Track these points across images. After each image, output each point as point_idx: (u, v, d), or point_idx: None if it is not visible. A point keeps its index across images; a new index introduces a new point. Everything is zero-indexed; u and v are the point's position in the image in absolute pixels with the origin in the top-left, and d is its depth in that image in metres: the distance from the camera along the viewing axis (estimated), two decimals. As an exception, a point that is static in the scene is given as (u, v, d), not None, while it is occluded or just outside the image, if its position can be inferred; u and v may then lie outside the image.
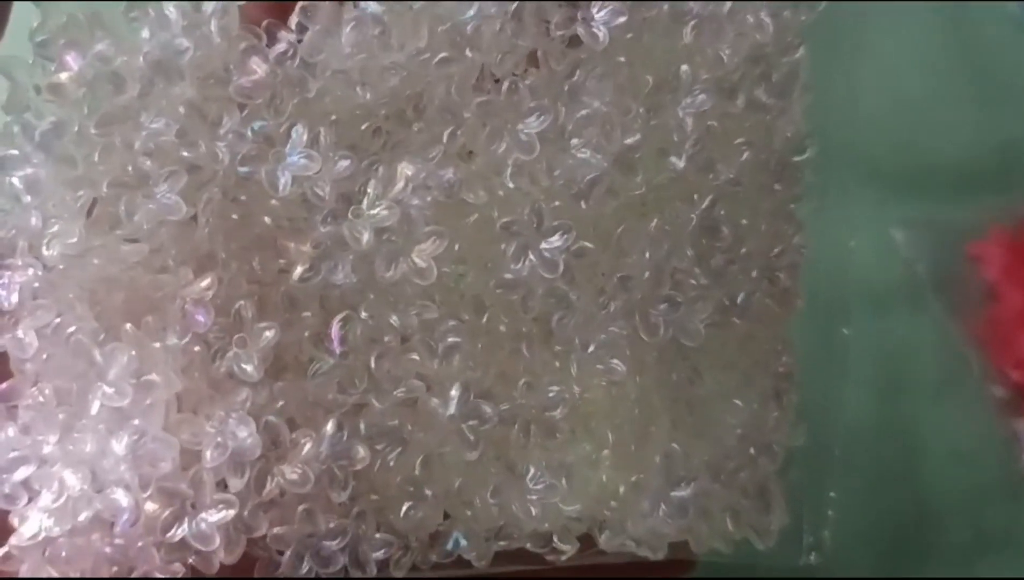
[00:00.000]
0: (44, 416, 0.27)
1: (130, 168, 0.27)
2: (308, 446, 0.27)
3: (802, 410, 0.31)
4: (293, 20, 0.28)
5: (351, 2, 0.27)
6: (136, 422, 0.26)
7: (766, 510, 0.31)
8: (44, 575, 0.27)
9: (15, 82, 0.27)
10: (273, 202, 0.27)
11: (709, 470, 0.29)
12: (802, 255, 0.30)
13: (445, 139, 0.28)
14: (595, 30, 0.28)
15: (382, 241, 0.27)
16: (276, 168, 0.27)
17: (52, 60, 0.27)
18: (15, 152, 0.27)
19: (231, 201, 0.27)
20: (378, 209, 0.27)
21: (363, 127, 0.28)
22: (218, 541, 0.26)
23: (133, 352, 0.26)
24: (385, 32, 0.27)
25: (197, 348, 0.26)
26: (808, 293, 0.31)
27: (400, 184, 0.27)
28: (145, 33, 0.27)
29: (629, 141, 0.28)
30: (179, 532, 0.26)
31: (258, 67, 0.27)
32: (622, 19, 0.28)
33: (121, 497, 0.26)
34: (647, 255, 0.28)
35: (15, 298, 0.27)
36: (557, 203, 0.28)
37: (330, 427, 0.27)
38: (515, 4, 0.27)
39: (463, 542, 0.28)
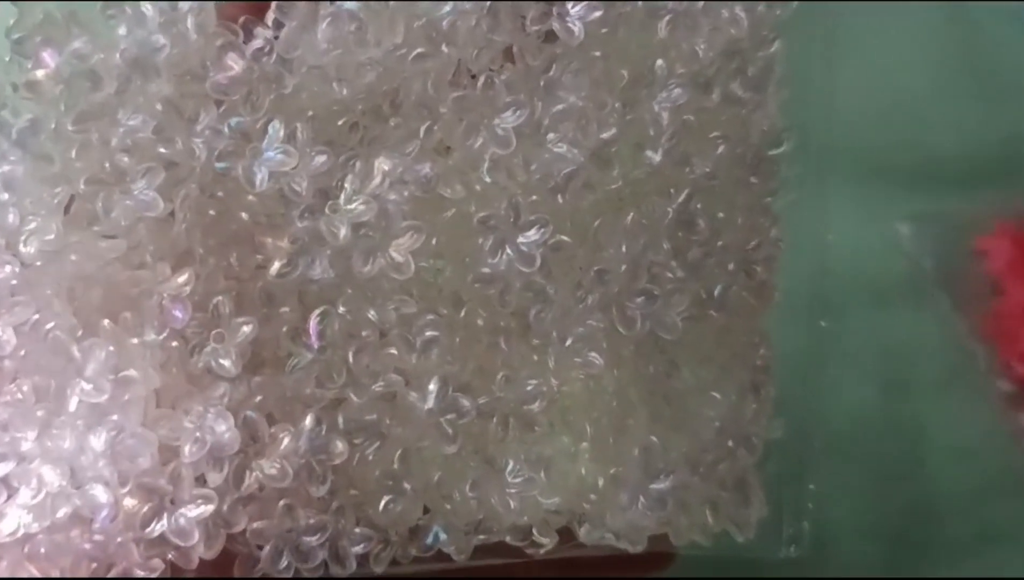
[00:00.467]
0: (22, 413, 0.27)
1: (107, 165, 0.27)
2: (286, 441, 0.27)
3: (781, 403, 0.31)
4: (270, 16, 0.28)
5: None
6: (114, 418, 0.26)
7: (745, 502, 0.31)
8: (23, 572, 0.27)
9: (-9, 80, 0.27)
10: (250, 198, 0.27)
11: (687, 463, 0.30)
12: (779, 248, 0.31)
13: (422, 134, 0.28)
14: (570, 25, 0.28)
15: (359, 236, 0.27)
16: (253, 164, 0.27)
17: (28, 57, 0.27)
18: (-9, 149, 0.27)
19: (208, 197, 0.27)
20: (355, 204, 0.27)
21: (340, 122, 0.28)
22: (197, 536, 0.26)
23: (111, 348, 0.26)
24: (361, 28, 0.27)
25: (175, 344, 0.26)
26: (788, 287, 0.31)
27: (377, 179, 0.27)
28: (122, 30, 0.27)
29: (605, 135, 0.28)
30: (158, 528, 0.26)
31: (235, 63, 0.27)
32: (597, 14, 0.28)
33: (100, 493, 0.26)
34: (624, 249, 0.28)
35: (-8, 295, 0.27)
36: (534, 197, 0.28)
37: (308, 422, 0.27)
38: (490, 0, 0.28)
39: (443, 536, 0.28)
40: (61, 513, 0.26)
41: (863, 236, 0.51)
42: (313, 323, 0.27)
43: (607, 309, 0.28)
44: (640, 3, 0.29)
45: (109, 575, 0.27)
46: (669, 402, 0.30)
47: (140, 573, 0.27)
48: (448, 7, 0.28)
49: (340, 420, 0.27)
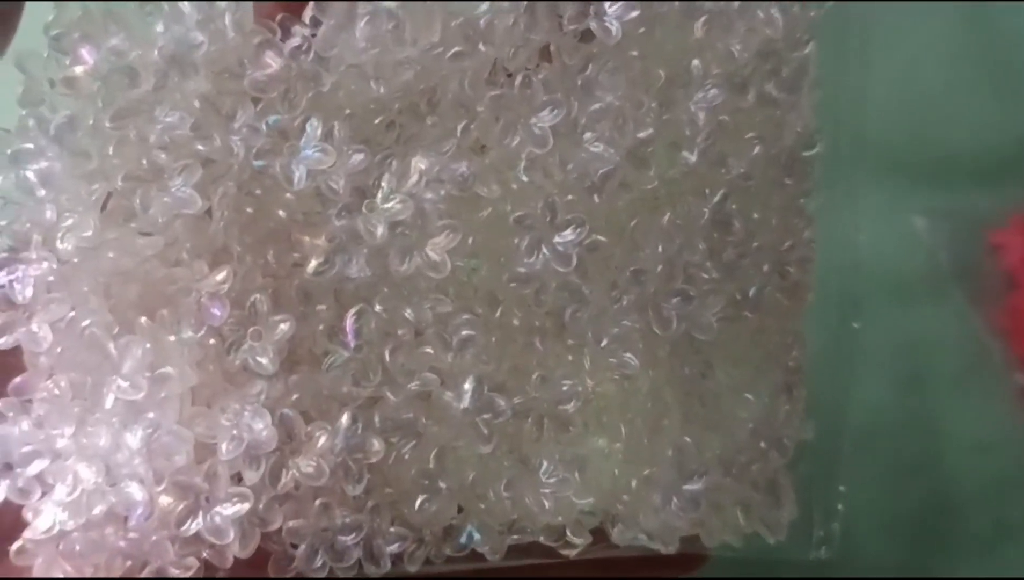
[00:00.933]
0: (58, 410, 0.27)
1: (145, 162, 0.26)
2: (323, 439, 0.27)
3: (812, 404, 0.31)
4: (307, 14, 0.28)
5: (365, -3, 0.27)
6: (151, 415, 0.26)
7: (776, 504, 0.31)
8: (58, 569, 0.27)
9: (30, 76, 0.27)
10: (288, 196, 0.27)
11: (720, 464, 0.30)
12: (812, 249, 0.31)
13: (459, 133, 0.28)
14: (607, 24, 0.28)
15: (396, 235, 0.27)
16: (291, 162, 0.27)
17: (67, 54, 0.27)
18: (30, 146, 0.26)
19: (246, 195, 0.27)
20: (392, 203, 0.27)
21: (377, 121, 0.28)
22: (232, 535, 0.26)
23: (148, 345, 0.26)
24: (399, 27, 0.27)
25: (212, 341, 0.26)
26: (819, 287, 0.31)
27: (414, 178, 0.27)
28: (159, 27, 0.27)
29: (641, 135, 0.28)
30: (193, 526, 0.26)
31: (272, 61, 0.27)
32: (634, 14, 0.28)
33: (135, 491, 0.26)
34: (660, 249, 0.28)
35: (29, 292, 0.27)
36: (570, 197, 0.28)
37: (345, 420, 0.27)
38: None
39: (476, 535, 0.28)
40: (96, 510, 0.26)
41: (882, 231, 0.51)
42: (350, 321, 0.27)
43: (643, 310, 0.28)
44: (677, 3, 0.29)
45: (143, 573, 0.27)
46: (703, 403, 0.30)
47: (175, 571, 0.27)
48: (485, 6, 0.28)
49: (376, 419, 0.27)
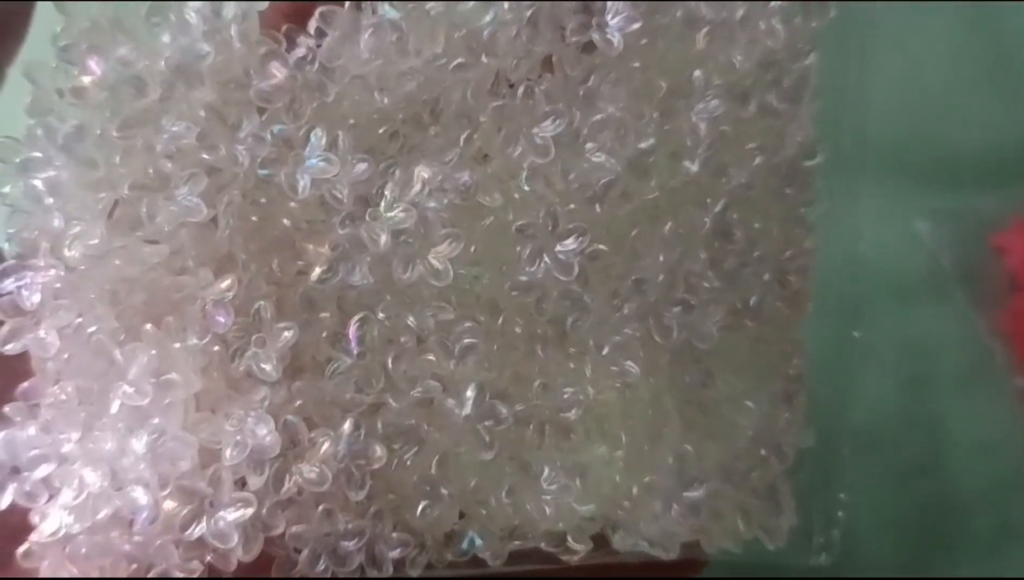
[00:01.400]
0: (65, 414, 0.27)
1: (151, 170, 0.27)
2: (326, 445, 0.27)
3: (812, 411, 0.31)
4: (312, 25, 0.28)
5: (369, 8, 0.28)
6: (156, 421, 0.27)
7: (776, 510, 0.31)
8: (64, 572, 0.27)
9: (38, 86, 0.27)
10: (292, 204, 0.27)
11: (720, 471, 0.30)
12: (813, 258, 0.31)
13: (461, 143, 0.28)
14: (609, 36, 0.28)
15: (399, 243, 0.27)
16: (295, 171, 0.27)
17: (75, 64, 0.27)
18: (38, 155, 0.27)
19: (251, 203, 0.27)
20: (395, 211, 0.27)
21: (380, 131, 0.28)
22: (236, 539, 0.27)
23: (153, 352, 0.27)
24: (402, 38, 0.27)
25: (216, 348, 0.27)
26: (820, 293, 0.31)
27: (417, 186, 0.28)
28: (166, 38, 0.27)
29: (643, 145, 0.28)
30: (197, 530, 0.27)
31: (278, 72, 0.27)
32: (636, 25, 0.28)
33: (140, 495, 0.27)
34: (661, 258, 0.28)
35: (37, 298, 0.27)
36: (572, 206, 0.28)
37: (347, 426, 0.27)
38: (531, 10, 0.28)
39: (478, 541, 0.28)
40: (102, 514, 0.27)
41: (884, 233, 0.51)
42: (353, 329, 0.27)
43: (644, 318, 0.28)
44: (679, 14, 0.29)
45: (148, 576, 0.27)
46: (703, 411, 0.30)
47: (179, 574, 0.27)
48: (488, 17, 0.28)
49: (379, 425, 0.27)
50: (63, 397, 0.27)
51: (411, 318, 0.28)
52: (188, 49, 0.27)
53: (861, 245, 0.32)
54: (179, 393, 0.27)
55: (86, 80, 0.27)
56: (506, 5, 0.28)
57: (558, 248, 0.28)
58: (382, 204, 0.27)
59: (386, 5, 0.28)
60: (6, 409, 0.27)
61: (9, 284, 0.27)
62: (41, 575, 0.27)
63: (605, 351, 0.28)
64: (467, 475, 0.28)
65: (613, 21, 0.28)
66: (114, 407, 0.27)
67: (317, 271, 0.27)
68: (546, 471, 0.29)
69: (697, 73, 0.29)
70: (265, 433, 0.27)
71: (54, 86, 0.27)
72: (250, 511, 0.27)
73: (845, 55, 0.32)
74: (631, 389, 0.29)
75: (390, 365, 0.27)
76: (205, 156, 0.27)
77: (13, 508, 0.27)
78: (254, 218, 0.27)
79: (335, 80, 0.28)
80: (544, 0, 0.28)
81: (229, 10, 0.27)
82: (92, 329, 0.27)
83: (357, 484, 0.27)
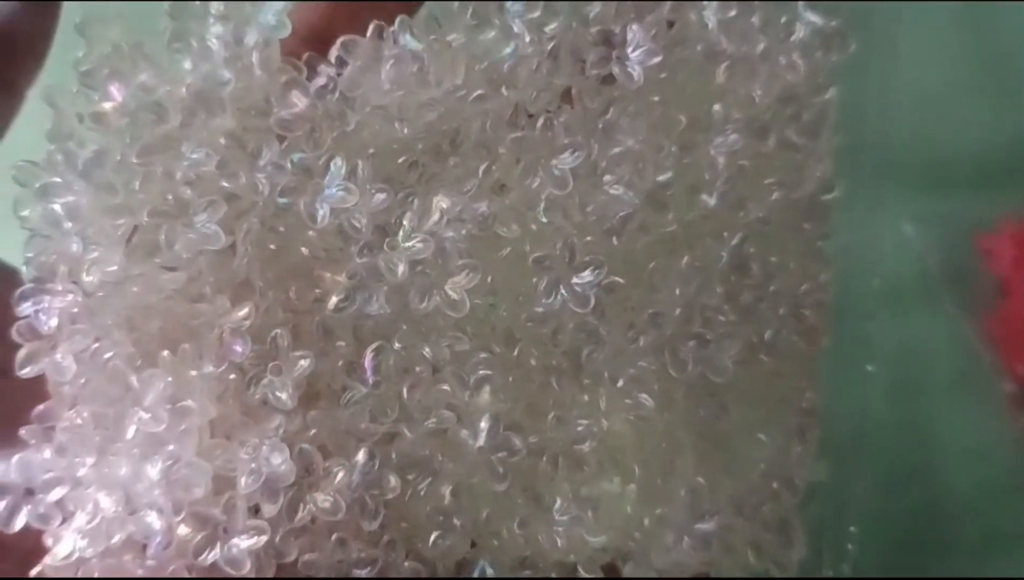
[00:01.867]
0: (80, 438, 0.27)
1: (170, 197, 0.27)
2: (340, 474, 0.27)
3: (825, 445, 0.31)
4: (333, 53, 0.28)
5: (391, 38, 0.28)
6: (171, 447, 0.27)
7: (787, 544, 0.31)
8: (77, 595, 0.27)
9: (59, 111, 0.27)
10: (310, 233, 0.27)
11: (732, 504, 0.30)
12: (829, 293, 0.31)
13: (480, 173, 0.28)
14: (630, 70, 0.28)
15: (416, 273, 0.27)
16: (314, 200, 0.27)
17: (96, 89, 0.27)
18: (57, 180, 0.27)
19: (269, 231, 0.27)
20: (413, 241, 0.27)
21: (400, 160, 0.28)
22: (249, 566, 0.27)
23: (169, 379, 0.27)
24: (423, 69, 0.27)
25: (232, 376, 0.27)
26: (834, 328, 0.31)
27: (435, 216, 0.28)
28: (187, 64, 0.27)
29: (661, 178, 0.28)
30: (211, 556, 0.27)
31: (298, 100, 0.27)
32: (657, 59, 0.28)
33: (154, 520, 0.27)
34: (677, 292, 0.28)
35: (54, 322, 0.27)
36: (589, 238, 0.28)
37: (362, 456, 0.27)
38: (552, 43, 0.28)
39: (489, 571, 0.29)
40: (115, 539, 0.27)
41: (872, 236, 0.51)
42: (368, 358, 0.27)
43: (659, 352, 0.28)
44: (699, 48, 0.29)
45: (160, 601, 0.27)
46: (716, 444, 0.30)
47: (191, 600, 0.27)
48: (509, 49, 0.28)
49: (393, 455, 0.27)
50: (79, 421, 0.27)
51: (427, 348, 0.28)
52: (209, 76, 0.27)
53: (875, 281, 0.32)
54: (194, 420, 0.27)
55: (107, 106, 0.27)
56: (527, 38, 0.28)
57: (575, 280, 0.28)
58: (400, 234, 0.27)
59: (407, 36, 0.28)
60: (21, 432, 0.27)
61: (27, 307, 0.27)
62: None
63: (620, 383, 0.28)
64: (480, 505, 0.28)
65: (634, 54, 0.28)
66: (129, 432, 0.27)
67: (334, 300, 0.27)
68: (558, 502, 0.29)
69: (716, 107, 0.29)
70: (280, 462, 0.27)
71: (74, 111, 0.27)
72: (263, 538, 0.27)
73: (865, 85, 0.32)
74: (645, 422, 0.29)
75: (405, 395, 0.27)
76: (225, 184, 0.27)
77: (27, 530, 0.27)
78: (272, 246, 0.27)
79: (355, 109, 0.28)
80: (565, 33, 0.28)
81: (251, 37, 0.27)
82: (109, 354, 0.27)
83: (371, 514, 0.27)
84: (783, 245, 0.30)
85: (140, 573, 0.27)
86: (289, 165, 0.27)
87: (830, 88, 0.30)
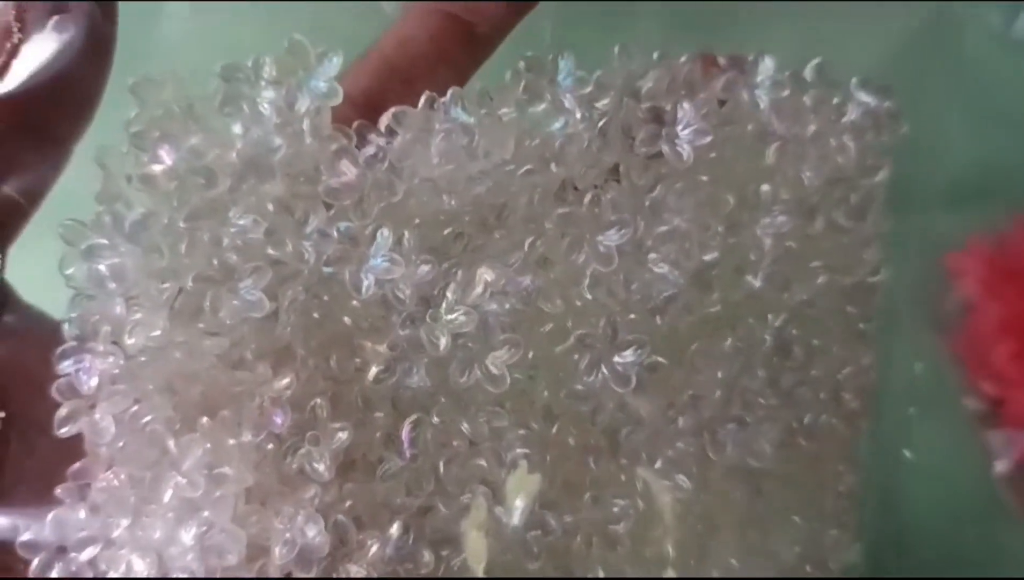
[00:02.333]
0: (116, 499, 0.27)
1: (216, 262, 0.27)
2: (375, 547, 0.27)
3: (861, 527, 0.31)
4: (383, 122, 0.28)
5: (442, 109, 0.28)
6: (206, 514, 0.27)
7: (819, 626, 0.31)
8: (105, 658, 0.27)
9: (108, 171, 0.27)
10: (354, 303, 0.27)
11: (765, 586, 0.29)
12: (870, 377, 0.30)
13: (526, 247, 0.28)
14: (679, 149, 0.28)
15: (457, 346, 0.27)
16: (359, 269, 0.27)
17: (146, 151, 0.27)
18: (104, 241, 0.27)
19: (313, 298, 0.27)
20: (456, 314, 0.27)
21: (446, 232, 0.28)
22: (280, 635, 0.26)
23: (208, 445, 0.27)
24: (473, 142, 0.27)
25: (271, 446, 0.27)
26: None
27: (479, 289, 0.27)
28: (237, 128, 0.27)
29: (707, 258, 0.28)
30: (242, 623, 0.27)
31: (348, 169, 0.27)
32: (707, 139, 0.28)
33: (186, 585, 0.27)
34: (719, 374, 0.28)
35: (94, 382, 0.27)
36: (632, 316, 0.28)
37: (396, 530, 0.27)
38: (603, 121, 0.28)
39: (519, 643, 0.28)
40: (147, 602, 0.27)
41: None
42: (407, 430, 0.27)
43: (698, 433, 0.28)
44: (750, 128, 0.29)
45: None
46: (752, 526, 0.30)
47: (220, 667, 0.27)
48: (559, 124, 0.28)
49: (427, 529, 0.27)
50: (115, 482, 0.27)
51: (465, 423, 0.27)
52: (260, 141, 0.27)
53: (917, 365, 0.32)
54: (231, 487, 0.27)
55: (156, 168, 0.27)
56: (578, 114, 0.28)
57: (616, 359, 0.27)
58: (443, 305, 0.27)
59: (458, 108, 0.28)
60: (57, 490, 0.27)
61: (67, 366, 0.27)
62: None
63: (658, 464, 0.28)
64: (512, 582, 0.28)
65: (684, 133, 0.28)
66: (166, 496, 0.27)
67: (374, 371, 0.27)
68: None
69: (765, 187, 0.29)
70: (314, 533, 0.26)
71: (123, 172, 0.27)
72: (295, 609, 0.27)
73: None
74: (681, 503, 0.29)
75: (441, 469, 0.27)
76: (271, 250, 0.27)
77: (58, 589, 0.27)
78: (315, 314, 0.27)
79: (403, 179, 0.28)
80: (616, 109, 0.28)
81: (302, 103, 0.27)
82: (148, 418, 0.27)
83: (403, 589, 0.27)
84: (826, 328, 0.30)
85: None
86: (335, 234, 0.27)
87: (880, 170, 0.30)
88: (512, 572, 0.28)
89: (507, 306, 0.27)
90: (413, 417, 0.27)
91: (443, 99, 0.28)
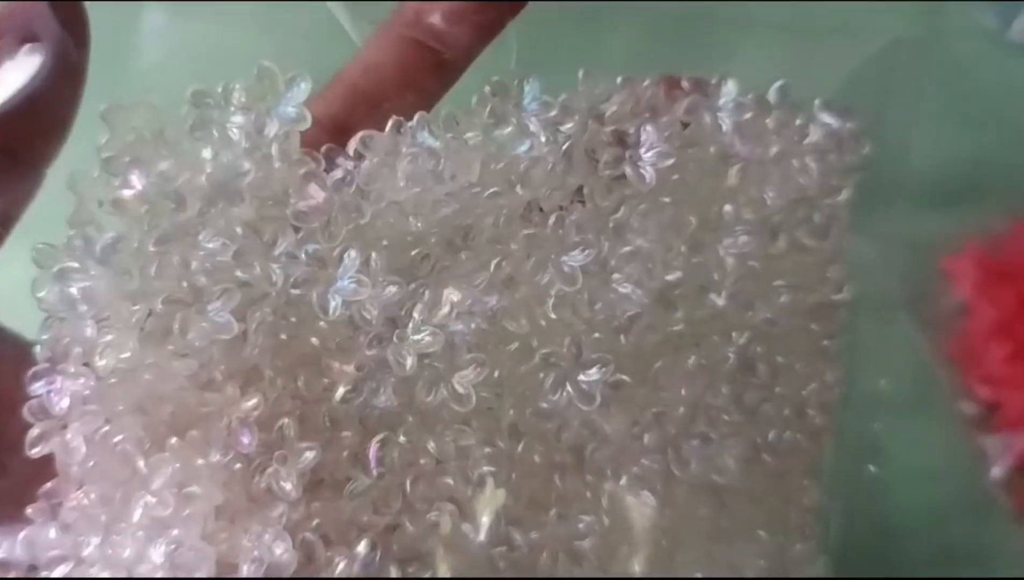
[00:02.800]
0: (87, 518, 0.27)
1: (185, 284, 0.27)
2: (342, 564, 0.27)
3: (825, 543, 0.31)
4: (351, 147, 0.28)
5: (409, 133, 0.28)
6: (175, 532, 0.27)
7: (784, 641, 0.31)
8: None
9: (80, 196, 0.28)
10: (321, 324, 0.28)
11: (731, 601, 0.30)
12: (834, 393, 0.31)
13: (491, 268, 0.28)
14: (642, 171, 0.28)
15: (424, 366, 0.27)
16: (327, 291, 0.27)
17: (117, 175, 0.28)
18: (75, 265, 0.27)
19: (280, 319, 0.28)
20: (422, 334, 0.27)
21: (413, 253, 0.28)
22: (248, 652, 0.27)
23: (177, 465, 0.27)
24: (439, 166, 0.28)
25: (238, 465, 0.27)
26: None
27: (445, 309, 0.28)
28: (207, 153, 0.28)
29: (670, 278, 0.29)
30: (210, 641, 0.27)
31: (316, 193, 0.28)
32: (670, 161, 0.28)
33: (156, 603, 0.27)
34: (683, 391, 0.29)
35: (65, 403, 0.27)
36: (597, 335, 0.28)
37: (362, 547, 0.27)
38: (567, 144, 0.28)
39: (485, 663, 0.29)
40: (118, 620, 0.27)
41: None
42: (374, 449, 0.28)
43: (663, 450, 0.28)
44: (712, 150, 0.29)
45: None
46: (716, 541, 0.30)
47: None
48: (524, 148, 0.28)
49: (394, 547, 0.28)
50: (85, 502, 0.27)
51: (431, 442, 0.28)
52: (230, 166, 0.28)
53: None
54: (200, 505, 0.27)
55: (126, 193, 0.27)
56: (543, 137, 0.28)
57: (581, 377, 0.28)
58: (410, 325, 0.28)
59: (425, 132, 0.28)
60: (28, 510, 0.28)
61: (39, 387, 0.28)
62: None
63: (623, 481, 0.28)
64: (478, 598, 0.28)
65: (647, 155, 0.29)
66: (136, 515, 0.27)
67: (341, 391, 0.28)
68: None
69: (728, 208, 0.29)
70: (282, 551, 0.27)
71: (95, 197, 0.28)
72: (263, 626, 0.27)
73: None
74: (647, 520, 0.29)
75: (408, 487, 0.28)
76: (239, 273, 0.27)
77: (30, 608, 0.28)
78: (283, 335, 0.28)
79: (371, 202, 0.28)
80: (580, 132, 0.28)
81: (271, 128, 0.28)
82: (118, 438, 0.27)
83: (370, 605, 0.27)
84: (790, 346, 0.30)
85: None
86: (303, 256, 0.27)
87: (843, 190, 0.30)
88: (478, 589, 0.28)
89: (473, 326, 0.28)
90: (380, 436, 0.28)
91: (410, 123, 0.28)
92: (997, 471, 0.48)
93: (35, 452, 0.28)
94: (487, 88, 0.29)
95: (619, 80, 0.29)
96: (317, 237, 0.28)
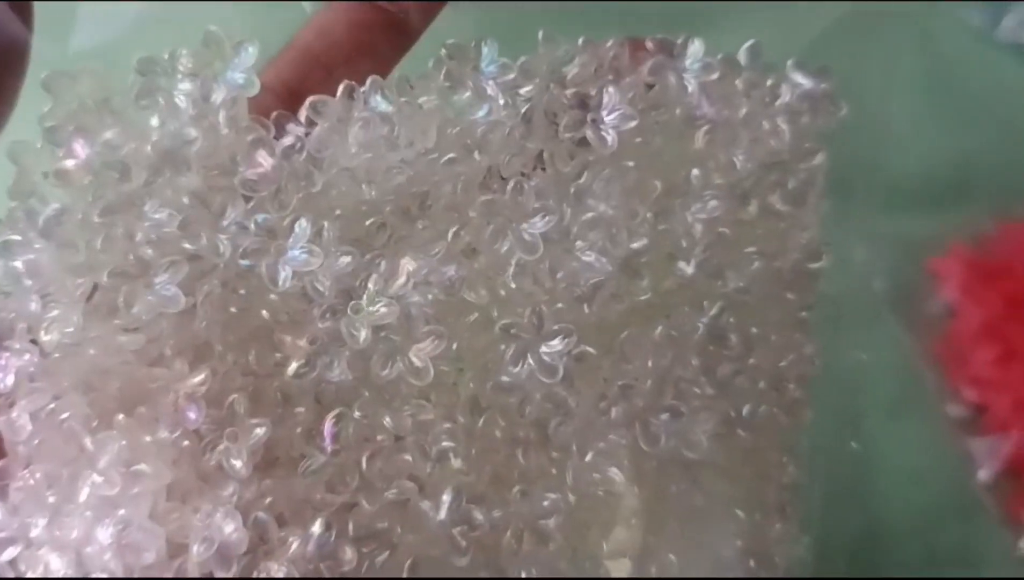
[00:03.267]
0: (34, 498, 0.27)
1: (131, 257, 0.26)
2: (295, 544, 0.26)
3: (807, 521, 0.30)
4: (302, 113, 0.27)
5: (361, 99, 0.27)
6: (123, 511, 0.26)
7: (765, 623, 0.30)
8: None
9: (22, 168, 0.27)
10: (272, 296, 0.27)
11: (706, 582, 0.29)
12: (813, 365, 0.30)
13: (449, 237, 0.27)
14: (604, 133, 0.27)
15: (380, 338, 0.27)
16: (277, 262, 0.26)
17: (60, 146, 0.27)
18: (18, 237, 0.26)
19: (231, 292, 0.27)
20: (377, 306, 0.27)
21: (367, 222, 0.27)
22: (200, 635, 0.26)
23: (124, 442, 0.26)
24: (393, 131, 0.27)
25: (187, 442, 0.26)
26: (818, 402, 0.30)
27: (401, 279, 0.27)
28: (154, 121, 0.27)
29: (635, 245, 0.27)
30: (161, 624, 0.26)
31: (265, 161, 0.27)
32: (633, 124, 0.27)
33: (104, 585, 0.26)
34: (650, 363, 0.27)
35: (11, 380, 0.27)
36: (559, 305, 0.27)
37: (317, 527, 0.26)
38: (526, 106, 0.27)
39: (451, 644, 0.28)
40: (65, 602, 0.26)
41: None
42: (328, 425, 0.27)
43: (630, 424, 0.27)
44: (678, 112, 0.28)
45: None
46: (691, 519, 0.29)
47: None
48: (482, 112, 0.27)
49: (350, 526, 0.27)
50: (32, 481, 0.27)
51: (388, 417, 0.27)
52: (176, 134, 0.27)
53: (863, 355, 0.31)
54: (148, 484, 0.26)
55: (70, 163, 0.27)
56: (501, 100, 0.27)
57: (543, 349, 0.27)
58: (364, 297, 0.27)
59: (378, 97, 0.27)
60: (-25, 492, 0.27)
61: (-16, 364, 0.27)
62: None
63: (589, 457, 0.27)
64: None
65: (609, 118, 0.28)
66: (83, 495, 0.26)
67: (294, 365, 0.27)
68: (523, 576, 0.28)
69: (695, 172, 0.28)
70: (232, 530, 0.26)
71: (38, 168, 0.27)
72: (214, 608, 0.26)
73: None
74: (614, 497, 0.28)
75: (364, 464, 0.27)
76: (187, 245, 0.26)
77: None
78: (233, 309, 0.27)
79: (323, 170, 0.27)
80: (540, 95, 0.27)
81: (218, 95, 0.27)
82: (65, 415, 0.26)
83: (325, 586, 0.26)
84: (764, 316, 0.29)
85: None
86: (253, 226, 0.27)
87: (818, 154, 0.29)
88: (440, 569, 0.27)
89: (430, 297, 0.27)
90: (335, 411, 0.27)
91: (362, 88, 0.27)
92: (984, 474, 0.47)
93: (-20, 432, 0.27)
94: (443, 51, 0.28)
95: (580, 41, 0.28)
96: (267, 206, 0.27)
